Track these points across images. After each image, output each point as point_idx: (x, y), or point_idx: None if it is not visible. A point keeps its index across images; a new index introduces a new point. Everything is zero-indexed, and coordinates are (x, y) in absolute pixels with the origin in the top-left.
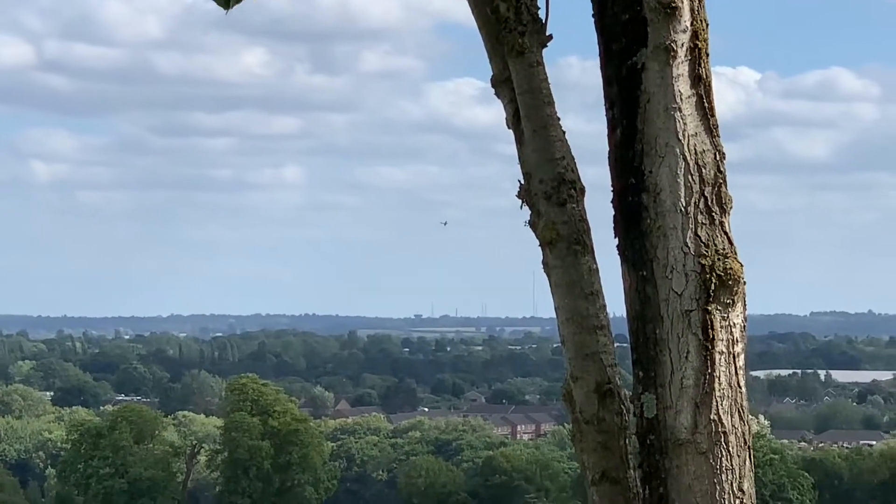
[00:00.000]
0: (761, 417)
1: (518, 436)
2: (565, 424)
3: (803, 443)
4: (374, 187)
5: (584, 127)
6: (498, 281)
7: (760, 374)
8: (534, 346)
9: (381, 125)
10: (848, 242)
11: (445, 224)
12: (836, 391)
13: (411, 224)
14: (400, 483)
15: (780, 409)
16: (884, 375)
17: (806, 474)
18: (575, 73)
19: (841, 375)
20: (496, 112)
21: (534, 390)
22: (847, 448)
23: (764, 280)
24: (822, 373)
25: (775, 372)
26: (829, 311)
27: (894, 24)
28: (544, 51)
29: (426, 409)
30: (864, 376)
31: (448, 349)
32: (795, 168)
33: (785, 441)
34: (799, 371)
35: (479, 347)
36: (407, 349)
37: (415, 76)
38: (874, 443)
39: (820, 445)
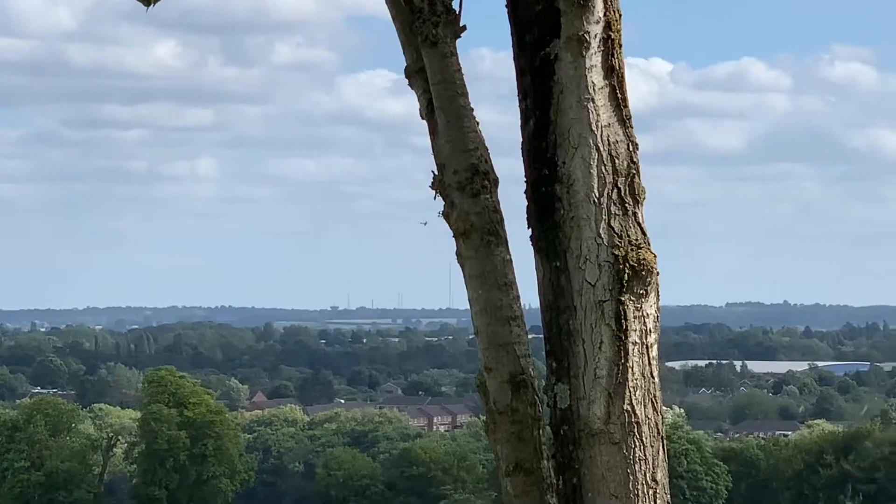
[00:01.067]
0: (677, 408)
1: (434, 427)
2: (481, 416)
3: (719, 433)
4: (288, 179)
5: (498, 118)
6: (414, 272)
7: (676, 364)
8: (450, 337)
9: (294, 117)
10: (763, 233)
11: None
12: (751, 382)
13: (326, 216)
14: (317, 475)
15: (696, 400)
16: (799, 366)
17: (721, 463)
18: (488, 64)
19: (756, 366)
20: (409, 104)
21: (450, 382)
22: (763, 438)
23: (679, 271)
24: (737, 363)
25: (691, 362)
26: (745, 302)
27: (805, 15)
28: (457, 42)
29: (342, 401)
30: (779, 367)
31: (364, 341)
32: (709, 159)
33: (701, 432)
34: (715, 362)
35: (396, 339)
36: (323, 341)
37: (327, 68)
38: (790, 433)
39: (736, 436)
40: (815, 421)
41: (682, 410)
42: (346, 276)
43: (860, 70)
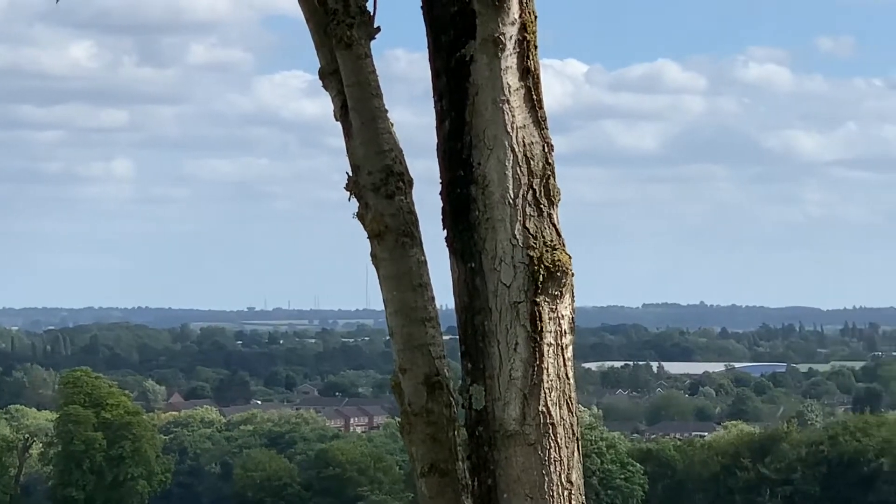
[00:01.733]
0: (594, 409)
1: (351, 428)
2: (397, 417)
3: (636, 434)
4: (204, 180)
5: (413, 120)
6: (330, 274)
7: (593, 365)
8: (367, 338)
9: (209, 118)
10: (679, 235)
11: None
12: (668, 383)
13: (242, 216)
14: (233, 476)
15: (612, 401)
16: (715, 367)
17: (636, 464)
18: (402, 65)
19: (673, 367)
20: (324, 104)
21: (367, 383)
22: (679, 440)
23: (596, 272)
24: (654, 364)
25: (608, 363)
26: (662, 303)
27: (720, 16)
28: (372, 43)
29: (259, 402)
30: (695, 368)
31: (281, 342)
32: (625, 160)
33: (617, 433)
34: (631, 363)
35: (312, 340)
36: (240, 342)
37: (242, 69)
38: (706, 434)
39: (652, 437)
40: (732, 422)
41: (598, 411)
42: (262, 278)
43: (775, 71)
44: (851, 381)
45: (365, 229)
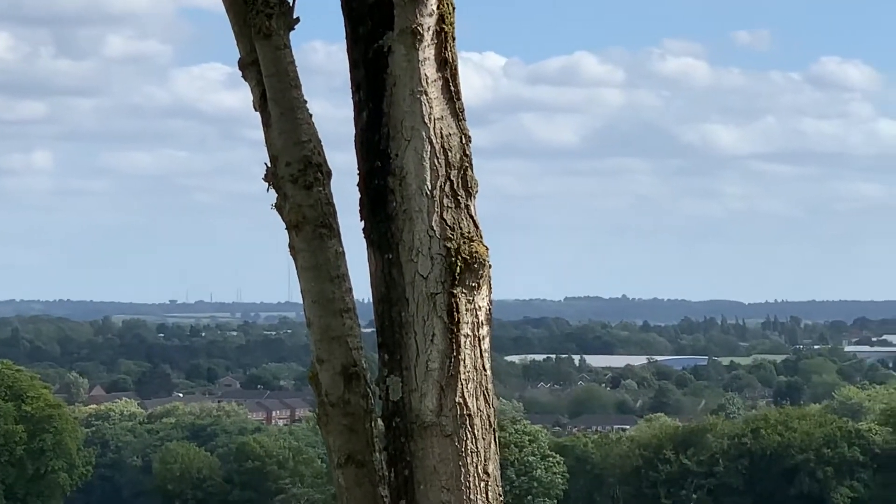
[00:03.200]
0: (515, 402)
1: (273, 421)
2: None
3: (557, 427)
4: (123, 172)
5: (333, 112)
6: (252, 266)
7: (515, 358)
8: (289, 331)
9: (128, 110)
10: (600, 228)
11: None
12: (589, 376)
13: (163, 209)
14: (155, 469)
15: (534, 394)
16: (637, 360)
17: (557, 456)
18: (320, 57)
19: (595, 360)
20: (243, 96)
21: (289, 375)
22: (600, 433)
23: (518, 265)
24: (576, 357)
25: (530, 357)
26: (584, 297)
27: (636, 9)
28: (291, 34)
29: (181, 395)
30: (617, 361)
31: (203, 334)
32: (544, 153)
33: (539, 426)
34: (553, 356)
35: (234, 332)
36: (162, 335)
37: (161, 61)
38: (627, 427)
39: (574, 430)
40: (653, 415)
41: (520, 404)
42: (184, 270)
43: (692, 64)
44: (773, 374)
45: (283, 220)
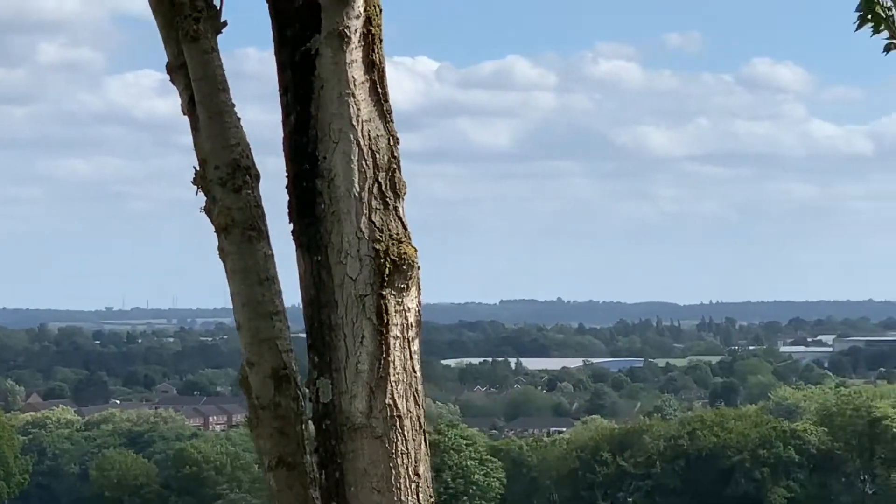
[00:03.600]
0: (452, 405)
1: (210, 427)
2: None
3: (494, 430)
4: (58, 180)
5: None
6: (188, 272)
7: (451, 362)
8: (225, 337)
9: (61, 117)
10: (535, 231)
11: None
12: (526, 379)
13: (98, 216)
14: (92, 476)
15: (470, 398)
16: (573, 363)
17: (494, 460)
18: (253, 63)
19: (531, 363)
20: (176, 104)
21: (225, 381)
22: (537, 435)
23: (453, 269)
24: (512, 361)
25: (466, 360)
26: (519, 300)
27: (568, 13)
28: (222, 40)
29: (118, 402)
30: (553, 364)
31: (139, 341)
32: (479, 157)
33: (475, 429)
34: (489, 359)
35: (171, 339)
36: (98, 342)
37: (93, 68)
38: (564, 430)
39: (510, 433)
40: (590, 417)
41: (456, 408)
42: (120, 277)
43: (624, 67)
44: (708, 375)
45: (212, 223)
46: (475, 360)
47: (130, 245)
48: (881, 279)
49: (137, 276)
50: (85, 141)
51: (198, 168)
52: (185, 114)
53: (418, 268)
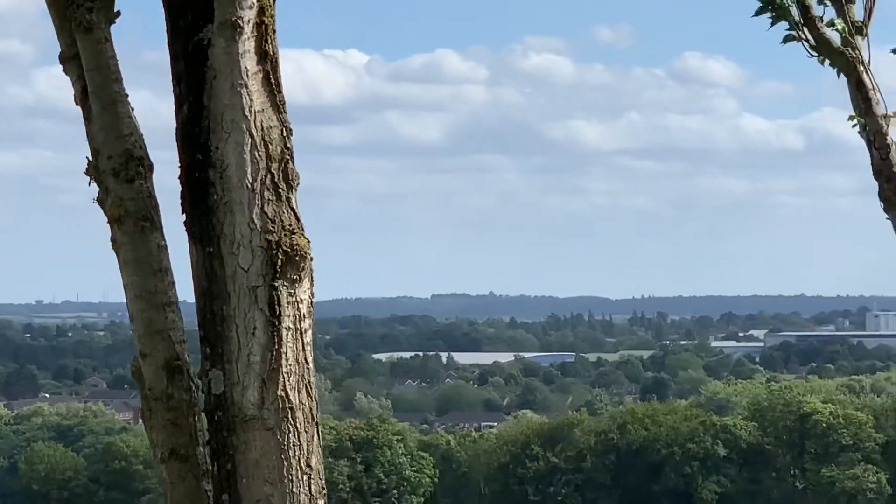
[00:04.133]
0: (383, 399)
1: (140, 421)
2: None
3: (425, 425)
4: None
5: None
6: (117, 265)
7: (383, 356)
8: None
9: None
10: (466, 225)
11: None
12: (457, 373)
13: (29, 209)
14: (21, 470)
15: (402, 392)
16: (505, 357)
17: (426, 455)
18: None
19: (462, 357)
20: None
21: None
22: (468, 430)
23: (384, 264)
24: (443, 355)
25: (397, 354)
26: (451, 294)
27: (497, 6)
28: (115, 30)
29: (48, 396)
30: (485, 358)
31: (70, 334)
32: (408, 151)
33: (406, 423)
34: (421, 353)
35: (101, 332)
36: (28, 335)
37: (21, 60)
38: (495, 424)
39: (441, 427)
40: (521, 412)
41: (388, 402)
42: (50, 270)
43: (554, 61)
44: (640, 370)
45: (105, 214)
46: (406, 355)
47: (60, 238)
48: (813, 274)
49: (68, 270)
50: (14, 134)
51: (90, 158)
52: (78, 104)
53: (311, 259)
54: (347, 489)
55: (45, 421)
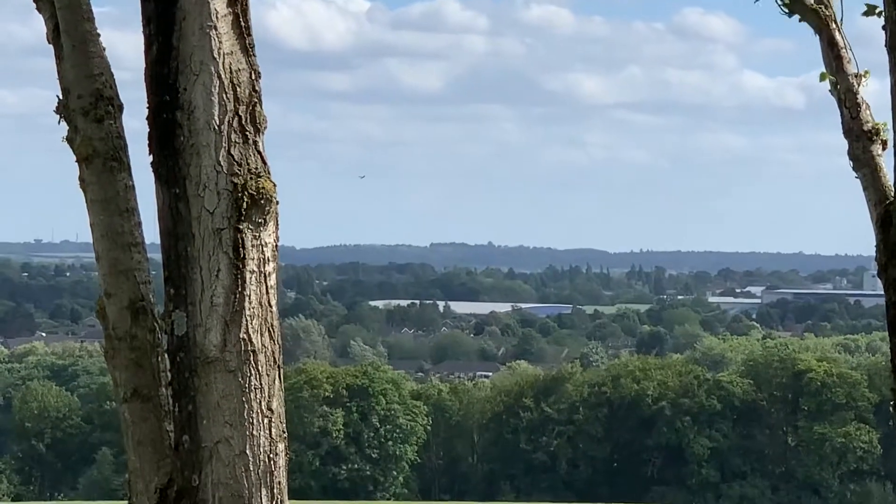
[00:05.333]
0: (379, 346)
1: None
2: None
3: (420, 373)
4: None
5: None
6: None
7: (379, 303)
8: (154, 272)
9: None
10: (466, 174)
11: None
12: (453, 322)
13: (26, 148)
14: (14, 408)
15: (398, 339)
16: (502, 307)
17: (419, 403)
18: None
19: (459, 307)
20: (107, 36)
21: None
22: (463, 379)
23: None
24: (440, 304)
25: (394, 302)
26: (450, 243)
27: None
28: None
29: (44, 335)
30: (482, 308)
31: (68, 274)
32: (408, 99)
33: (402, 371)
34: (418, 302)
35: None
36: (26, 274)
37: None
38: (490, 374)
39: (436, 376)
40: (516, 362)
41: (384, 350)
42: (49, 210)
43: (556, 13)
44: (636, 323)
45: (74, 153)
46: (403, 303)
47: (60, 178)
48: (812, 232)
49: (67, 209)
50: (13, 72)
51: (60, 97)
52: (50, 42)
53: (276, 202)
54: (342, 437)
55: (41, 360)
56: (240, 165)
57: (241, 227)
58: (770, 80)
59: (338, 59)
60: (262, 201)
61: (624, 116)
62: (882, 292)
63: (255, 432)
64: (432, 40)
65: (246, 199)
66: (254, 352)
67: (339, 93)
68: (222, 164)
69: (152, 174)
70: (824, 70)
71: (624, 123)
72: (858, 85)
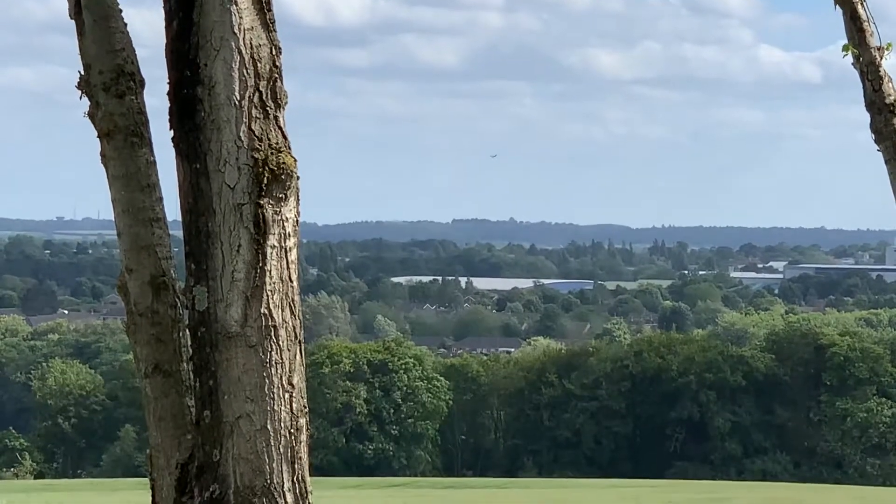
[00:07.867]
0: (402, 322)
1: None
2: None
3: (442, 349)
4: (4, 88)
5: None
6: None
7: (402, 280)
8: (175, 249)
9: (6, 25)
10: (486, 150)
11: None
12: (475, 298)
13: (48, 125)
14: (36, 385)
15: (420, 315)
16: (524, 283)
17: (442, 379)
18: None
19: (481, 283)
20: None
21: None
22: (485, 355)
23: (405, 187)
24: (462, 280)
25: (416, 278)
26: (471, 219)
27: None
28: None
29: (66, 312)
30: (504, 284)
31: (90, 252)
32: (425, 75)
33: (424, 347)
34: (440, 278)
35: None
36: (48, 251)
37: None
38: (512, 350)
39: (459, 352)
40: (538, 338)
41: (407, 325)
42: (71, 187)
43: None
44: (658, 299)
45: (95, 128)
46: (426, 279)
47: (83, 156)
48: (833, 207)
49: (89, 187)
50: (30, 49)
51: (82, 73)
52: (71, 17)
53: (297, 178)
54: (365, 412)
55: (63, 337)
56: (260, 140)
57: (261, 202)
58: (786, 54)
59: (354, 35)
60: (283, 176)
61: (642, 92)
62: None
63: (276, 407)
64: (448, 16)
65: (267, 174)
66: (274, 327)
67: (355, 69)
68: (243, 139)
69: (173, 149)
70: (846, 42)
71: (642, 99)
72: (881, 58)
